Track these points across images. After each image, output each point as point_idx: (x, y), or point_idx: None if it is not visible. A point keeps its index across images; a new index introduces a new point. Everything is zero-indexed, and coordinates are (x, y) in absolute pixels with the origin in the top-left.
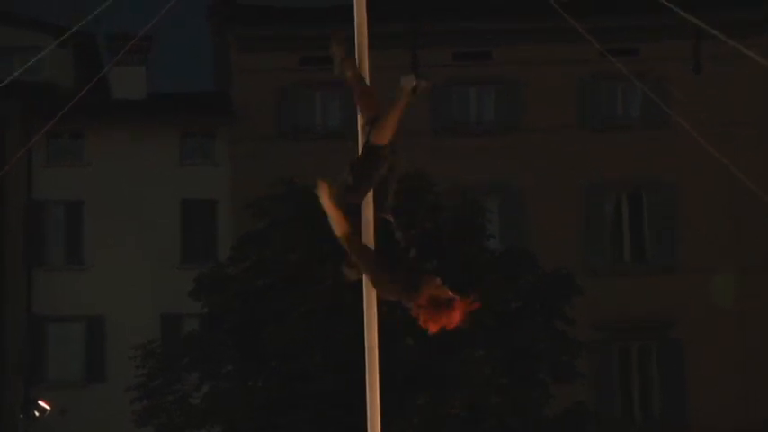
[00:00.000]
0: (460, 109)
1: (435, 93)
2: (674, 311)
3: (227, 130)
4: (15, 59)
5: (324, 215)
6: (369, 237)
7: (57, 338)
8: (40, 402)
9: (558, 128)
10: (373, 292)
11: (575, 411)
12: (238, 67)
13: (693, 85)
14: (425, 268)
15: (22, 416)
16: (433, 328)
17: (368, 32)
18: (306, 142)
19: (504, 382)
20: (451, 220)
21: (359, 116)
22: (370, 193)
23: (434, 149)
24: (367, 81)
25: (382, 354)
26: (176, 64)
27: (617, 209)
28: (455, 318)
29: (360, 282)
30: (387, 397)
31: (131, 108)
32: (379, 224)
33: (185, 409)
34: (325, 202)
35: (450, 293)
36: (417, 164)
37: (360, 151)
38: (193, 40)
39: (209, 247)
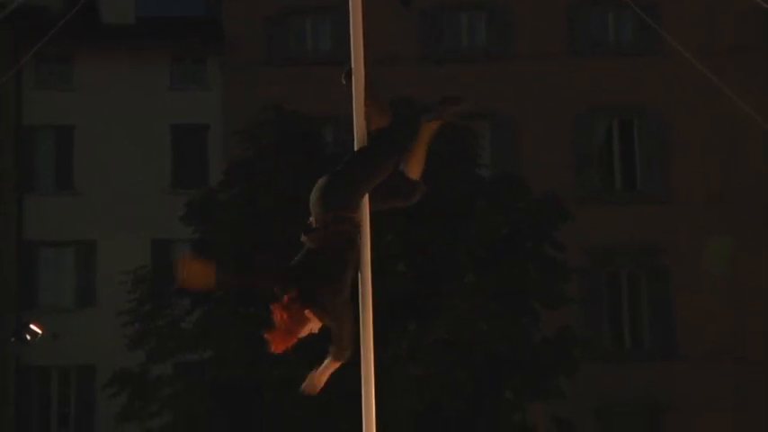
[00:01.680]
0: (451, 35)
1: (425, 18)
2: (663, 239)
3: (218, 54)
4: None
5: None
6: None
7: (48, 264)
8: (32, 326)
9: (549, 54)
10: (367, 228)
11: (562, 336)
12: None
13: (686, 8)
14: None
15: (13, 339)
16: (278, 346)
17: None
18: (297, 67)
19: (495, 309)
20: (445, 146)
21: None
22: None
23: (423, 76)
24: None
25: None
26: None
27: (608, 136)
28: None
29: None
30: (376, 323)
31: (120, 32)
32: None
33: (177, 334)
34: None
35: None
36: (406, 90)
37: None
38: None
39: (200, 172)
